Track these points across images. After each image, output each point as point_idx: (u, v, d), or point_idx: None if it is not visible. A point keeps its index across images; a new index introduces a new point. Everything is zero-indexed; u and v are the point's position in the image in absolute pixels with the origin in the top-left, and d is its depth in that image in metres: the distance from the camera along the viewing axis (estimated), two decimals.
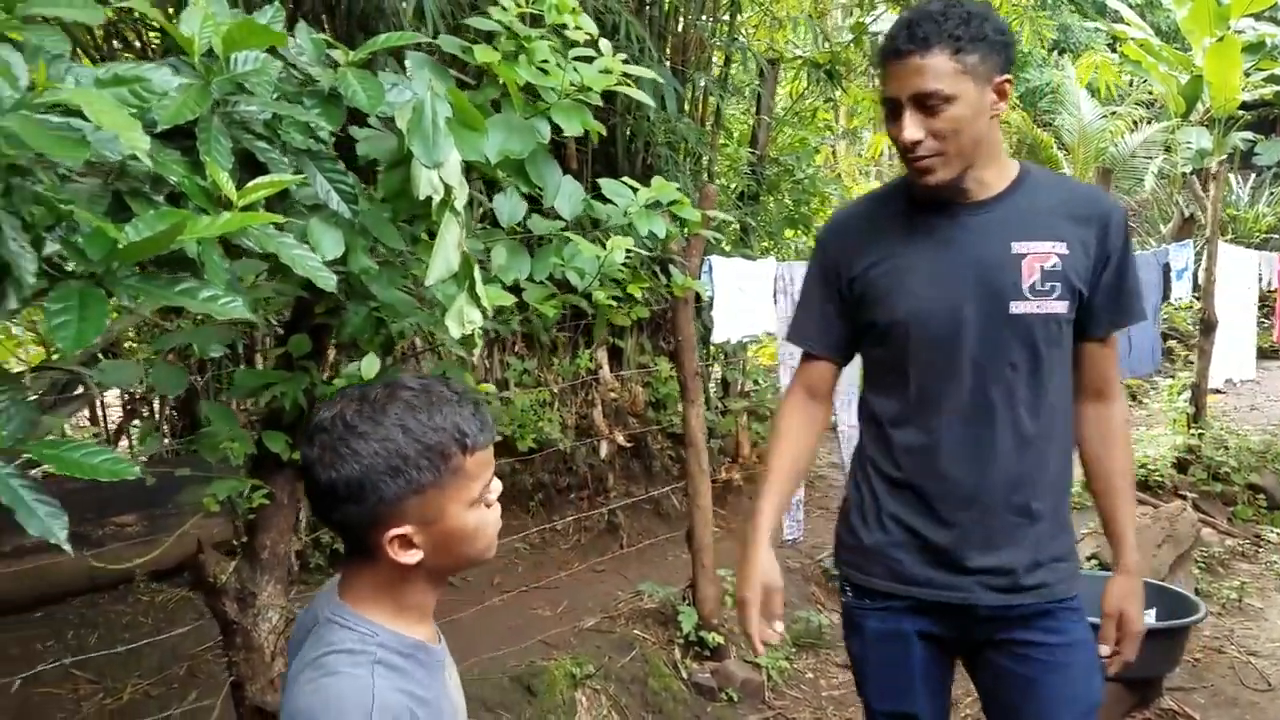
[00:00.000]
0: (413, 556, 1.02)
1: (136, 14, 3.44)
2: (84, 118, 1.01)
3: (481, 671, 2.81)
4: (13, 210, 1.01)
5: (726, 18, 5.58)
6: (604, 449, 4.31)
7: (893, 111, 1.50)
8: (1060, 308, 1.53)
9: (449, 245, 1.60)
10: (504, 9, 1.77)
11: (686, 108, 5.34)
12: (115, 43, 3.70)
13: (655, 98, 4.10)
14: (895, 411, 1.63)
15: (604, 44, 1.75)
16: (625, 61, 1.80)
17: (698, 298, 3.20)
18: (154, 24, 3.69)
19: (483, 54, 1.74)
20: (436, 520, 1.02)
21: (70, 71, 1.04)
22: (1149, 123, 10.61)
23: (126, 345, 3.27)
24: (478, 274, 1.64)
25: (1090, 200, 1.59)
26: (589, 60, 1.79)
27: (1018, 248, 1.53)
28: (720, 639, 3.22)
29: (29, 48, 1.03)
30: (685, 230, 2.55)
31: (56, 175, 1.14)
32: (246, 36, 1.30)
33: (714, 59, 5.60)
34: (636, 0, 4.82)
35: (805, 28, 6.19)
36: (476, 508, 1.05)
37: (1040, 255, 1.53)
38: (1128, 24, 10.15)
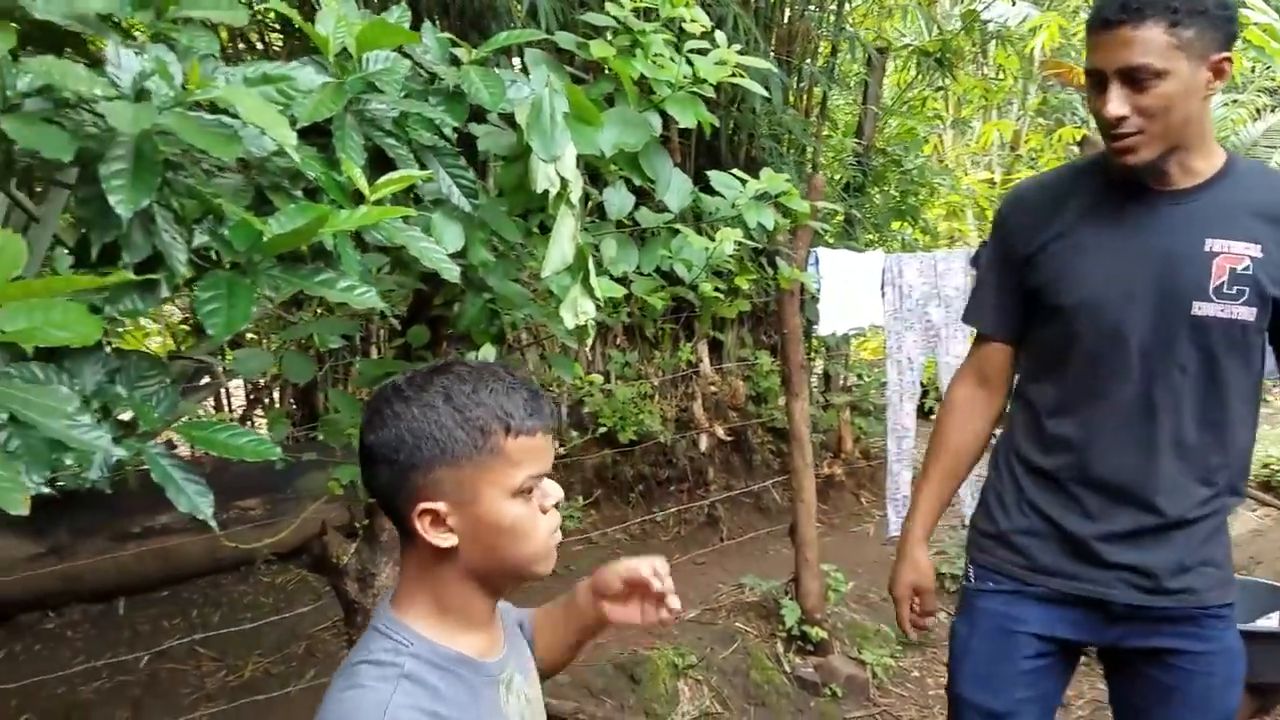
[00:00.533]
0: (445, 539, 0.96)
1: (262, 16, 3.61)
2: (231, 115, 1.07)
3: (586, 658, 2.85)
4: (165, 203, 1.07)
5: (834, 7, 5.50)
6: (704, 442, 4.31)
7: (1097, 84, 1.41)
8: (1247, 314, 1.43)
9: (564, 237, 1.63)
10: (620, 4, 1.79)
11: (791, 99, 5.28)
12: (239, 44, 3.87)
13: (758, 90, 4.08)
14: (1052, 400, 1.55)
15: (719, 35, 1.74)
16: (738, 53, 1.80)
17: (802, 290, 3.17)
18: (276, 26, 3.84)
19: (599, 49, 1.76)
20: (471, 501, 0.96)
21: (218, 70, 1.10)
22: (1272, 110, 9.99)
23: (247, 336, 3.43)
24: (592, 265, 1.66)
25: None
26: (703, 53, 1.79)
27: (1212, 245, 1.44)
28: (824, 634, 3.19)
29: (181, 48, 1.09)
30: (791, 222, 2.53)
31: (203, 170, 1.21)
32: (379, 36, 1.34)
33: (820, 49, 5.52)
34: None
35: (914, 15, 6.04)
36: (520, 501, 0.98)
37: (1234, 256, 1.43)
38: (1250, 8, 9.56)
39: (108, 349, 1.14)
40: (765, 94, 1.83)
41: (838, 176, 5.81)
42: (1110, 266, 1.48)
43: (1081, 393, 1.52)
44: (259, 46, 3.94)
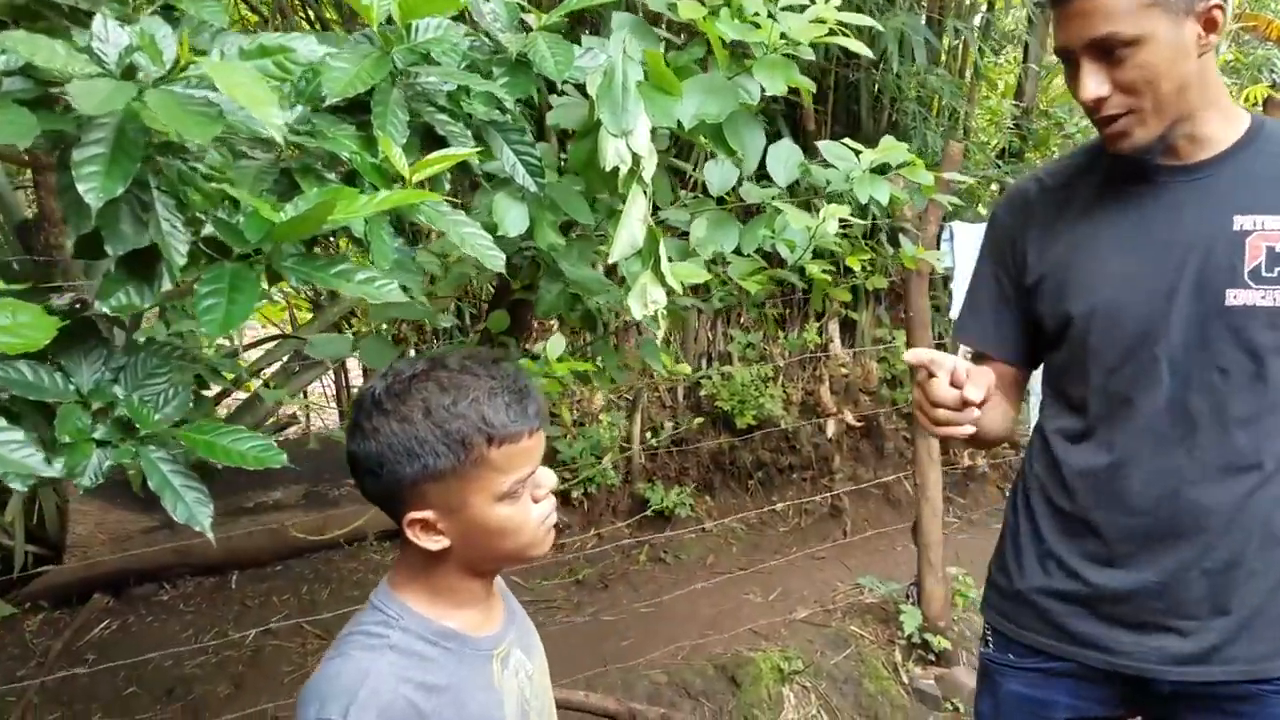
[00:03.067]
0: (436, 543, 0.98)
1: None
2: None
3: (686, 657, 2.74)
4: (167, 189, 0.99)
5: None
6: (830, 427, 4.09)
7: (1069, 65, 1.20)
8: None
9: (635, 219, 1.49)
10: None
11: (943, 59, 4.92)
12: (299, 15, 3.81)
13: (897, 47, 3.78)
14: (1071, 424, 1.32)
15: None
16: (857, 10, 1.60)
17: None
18: None
19: (687, 9, 1.60)
20: (459, 509, 0.97)
21: (218, 41, 1.01)
22: None
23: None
24: (663, 250, 1.51)
25: None
26: (800, 10, 1.59)
27: (1241, 222, 1.19)
28: (947, 644, 2.95)
29: (183, 20, 1.01)
30: (917, 195, 2.29)
31: (230, 151, 1.13)
32: (424, 4, 1.23)
33: (976, 4, 5.10)
34: None
35: None
36: (507, 502, 0.98)
37: (1271, 234, 1.17)
38: None
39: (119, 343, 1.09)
40: (869, 54, 1.61)
41: (992, 142, 5.39)
42: (1124, 263, 1.24)
43: (1105, 414, 1.27)
44: (309, 18, 3.87)
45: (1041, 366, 1.44)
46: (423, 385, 0.96)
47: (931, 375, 1.18)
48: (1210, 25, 1.15)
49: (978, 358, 1.47)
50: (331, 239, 1.53)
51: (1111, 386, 1.26)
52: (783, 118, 4.14)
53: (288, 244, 1.07)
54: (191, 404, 1.11)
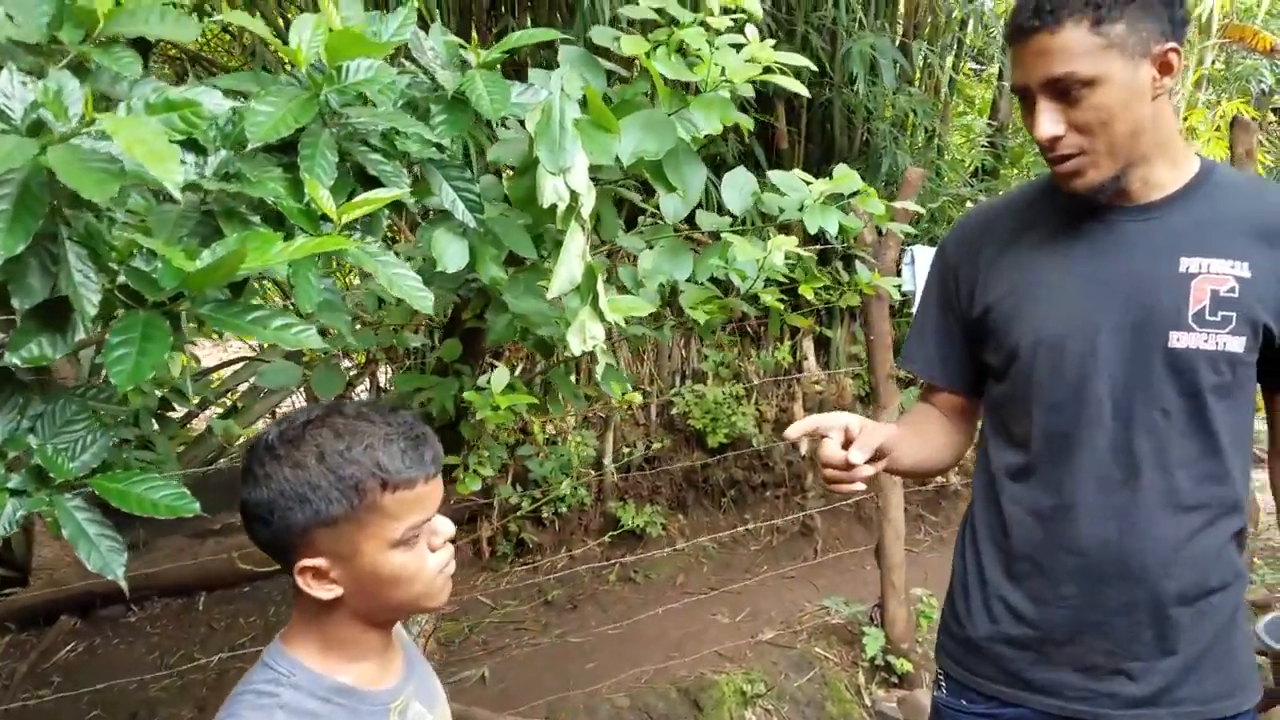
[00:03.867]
0: (328, 592, 0.96)
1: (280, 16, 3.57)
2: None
3: (650, 680, 2.74)
4: (78, 240, 1.00)
5: None
6: (804, 445, 4.09)
7: (1025, 102, 1.20)
8: (1235, 344, 1.18)
9: (573, 255, 1.50)
10: None
11: (917, 77, 4.95)
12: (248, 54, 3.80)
13: (865, 69, 3.81)
14: (1013, 461, 1.32)
15: (750, 30, 1.56)
16: (826, 34, 1.60)
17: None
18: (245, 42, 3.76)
19: (629, 45, 1.61)
20: (352, 556, 0.95)
21: (135, 92, 1.01)
22: None
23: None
24: (601, 286, 1.52)
25: None
26: (740, 48, 1.61)
27: (1187, 264, 1.20)
28: (910, 666, 2.96)
29: (97, 72, 1.01)
30: (875, 221, 2.30)
31: (153, 194, 1.13)
32: (348, 46, 1.24)
33: (948, 24, 5.14)
34: None
35: None
36: (402, 549, 0.96)
37: (1216, 277, 1.18)
38: None
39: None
40: (805, 92, 1.63)
41: (966, 160, 5.42)
42: (1070, 299, 1.24)
43: (1048, 452, 1.27)
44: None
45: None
46: (317, 431, 0.95)
47: (824, 437, 1.21)
48: (1165, 69, 1.17)
49: (926, 389, 1.48)
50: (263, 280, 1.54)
51: (1054, 424, 1.26)
52: (756, 138, 4.16)
53: (211, 289, 1.08)
54: (114, 444, 1.12)
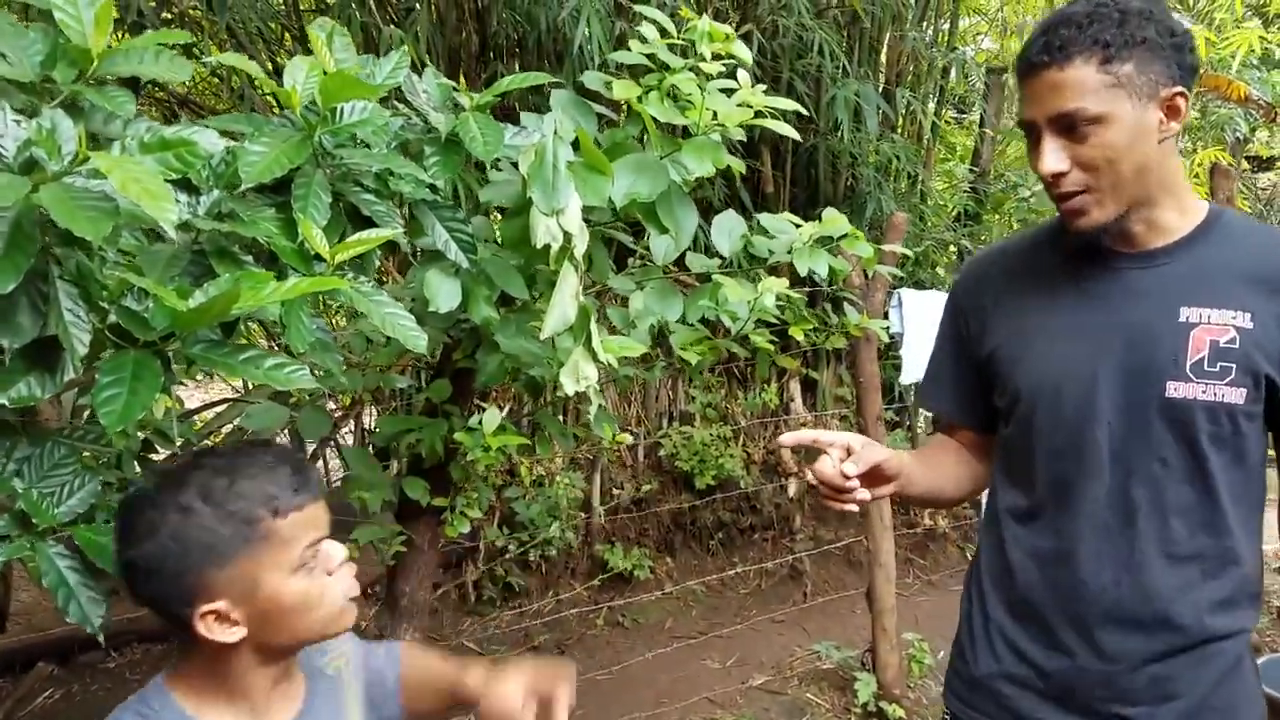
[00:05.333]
0: (233, 634, 0.94)
1: (270, 59, 3.57)
2: None
3: None
4: (69, 279, 0.99)
5: (947, 26, 5.21)
6: (792, 488, 4.08)
7: (1031, 138, 1.21)
8: (1234, 396, 1.17)
9: (566, 296, 1.49)
10: (644, 39, 1.64)
11: (900, 124, 5.02)
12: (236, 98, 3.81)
13: (850, 116, 3.86)
14: (1020, 507, 1.32)
15: (742, 75, 1.58)
16: (815, 81, 1.62)
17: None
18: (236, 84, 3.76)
19: (621, 89, 1.63)
20: (253, 592, 0.93)
21: (129, 131, 1.01)
22: None
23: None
24: (594, 327, 1.52)
25: None
26: (731, 93, 1.63)
27: (1187, 314, 1.20)
28: (902, 712, 2.92)
29: (91, 111, 1.01)
30: (862, 264, 2.32)
31: (144, 233, 1.12)
32: (342, 89, 1.24)
33: (930, 72, 5.23)
34: (848, 13, 4.57)
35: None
36: (302, 574, 0.96)
37: (1216, 328, 1.18)
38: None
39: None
40: (795, 135, 1.64)
41: (950, 205, 5.48)
42: (1069, 344, 1.25)
43: (1051, 497, 1.27)
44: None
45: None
46: (196, 474, 0.94)
47: (822, 453, 1.22)
48: (1173, 113, 1.17)
49: (948, 426, 1.48)
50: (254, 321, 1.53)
51: (1055, 469, 1.26)
52: (741, 181, 4.19)
53: (202, 329, 1.07)
54: (99, 491, 1.09)
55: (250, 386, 4.29)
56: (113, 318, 1.03)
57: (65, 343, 0.97)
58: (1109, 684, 1.24)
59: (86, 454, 1.21)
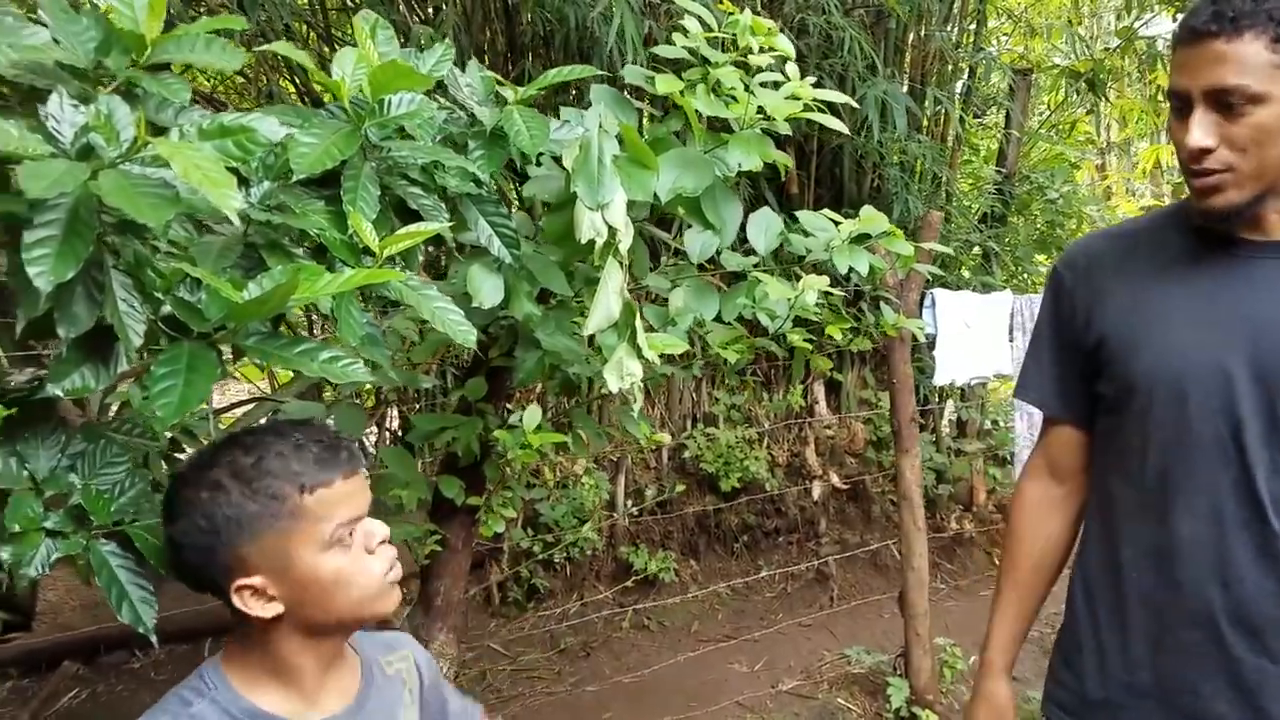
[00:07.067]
0: (270, 610, 0.96)
1: (273, 61, 3.58)
2: None
3: None
4: (123, 268, 0.97)
5: (972, 27, 5.16)
6: (817, 490, 4.04)
7: (1179, 108, 1.15)
8: None
9: (610, 292, 1.47)
10: (685, 33, 1.62)
11: (926, 124, 4.98)
12: (284, 83, 3.82)
13: (878, 115, 3.83)
14: (1130, 505, 1.26)
15: (791, 68, 1.56)
16: (840, 79, 1.60)
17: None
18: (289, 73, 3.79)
19: (664, 84, 1.61)
20: (286, 568, 0.95)
21: (182, 119, 1.00)
22: None
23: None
24: (639, 323, 1.49)
25: None
26: (779, 85, 1.60)
27: None
28: (936, 717, 2.89)
29: (145, 98, 0.99)
30: (898, 264, 2.29)
31: (194, 225, 1.11)
32: (393, 79, 1.22)
33: (956, 72, 5.19)
34: (873, 13, 4.54)
35: (1061, 35, 5.63)
36: (337, 551, 0.97)
37: None
38: None
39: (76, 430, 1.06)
40: (845, 129, 1.62)
41: (975, 206, 5.43)
42: (1194, 335, 1.19)
43: (1163, 491, 1.21)
44: (295, 85, 3.90)
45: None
46: (226, 453, 0.96)
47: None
48: None
49: (1047, 421, 1.43)
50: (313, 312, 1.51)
51: (1170, 463, 1.21)
52: (766, 181, 4.17)
53: (251, 322, 1.05)
54: (148, 489, 1.08)
55: (276, 386, 4.29)
56: (166, 309, 1.02)
57: (120, 333, 0.96)
58: (1232, 683, 1.19)
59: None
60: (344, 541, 0.97)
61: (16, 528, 0.96)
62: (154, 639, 0.97)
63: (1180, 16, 1.20)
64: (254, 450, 0.96)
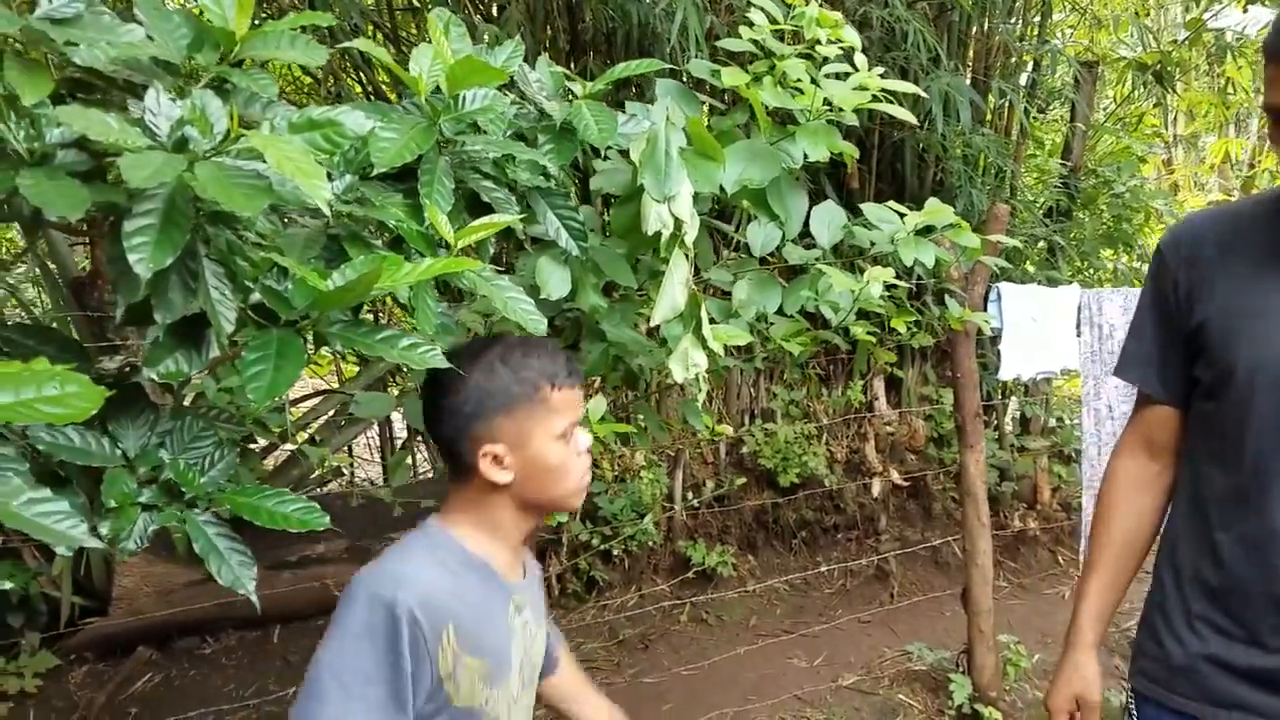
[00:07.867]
0: (503, 475, 1.15)
1: (360, 55, 3.66)
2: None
3: None
4: (216, 257, 1.01)
5: (1036, 19, 5.06)
6: (876, 487, 4.01)
7: (1276, 121, 1.15)
8: None
9: (676, 283, 1.49)
10: (751, 26, 1.63)
11: (989, 118, 4.90)
12: (349, 80, 3.88)
13: (941, 108, 3.78)
14: (1223, 488, 1.25)
15: (859, 58, 1.55)
16: (902, 72, 1.60)
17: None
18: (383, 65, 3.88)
19: (729, 77, 1.62)
20: (524, 444, 1.15)
21: (269, 113, 1.03)
22: None
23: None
24: (705, 314, 1.50)
25: None
26: (844, 77, 1.60)
27: None
28: (999, 714, 2.85)
29: (235, 92, 1.03)
30: (963, 256, 2.27)
31: (279, 217, 1.15)
32: (470, 74, 1.25)
33: (1021, 65, 5.09)
34: (936, 6, 4.48)
35: (1128, 27, 5.49)
36: (562, 443, 1.17)
37: None
38: None
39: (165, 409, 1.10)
40: (913, 120, 1.61)
41: (1040, 200, 5.33)
42: None
43: (1259, 478, 1.20)
44: (361, 82, 3.96)
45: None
46: (497, 347, 1.19)
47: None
48: None
49: (1142, 399, 1.42)
50: (377, 302, 1.56)
51: (1269, 452, 1.20)
52: (826, 175, 4.14)
53: (334, 310, 1.08)
54: (238, 462, 1.12)
55: (342, 378, 4.39)
56: (255, 297, 1.05)
57: (213, 320, 1.00)
58: None
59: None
60: (568, 437, 1.18)
61: (113, 503, 1.00)
62: (254, 599, 1.01)
63: (1250, 9, 1.18)
64: (519, 346, 1.18)
